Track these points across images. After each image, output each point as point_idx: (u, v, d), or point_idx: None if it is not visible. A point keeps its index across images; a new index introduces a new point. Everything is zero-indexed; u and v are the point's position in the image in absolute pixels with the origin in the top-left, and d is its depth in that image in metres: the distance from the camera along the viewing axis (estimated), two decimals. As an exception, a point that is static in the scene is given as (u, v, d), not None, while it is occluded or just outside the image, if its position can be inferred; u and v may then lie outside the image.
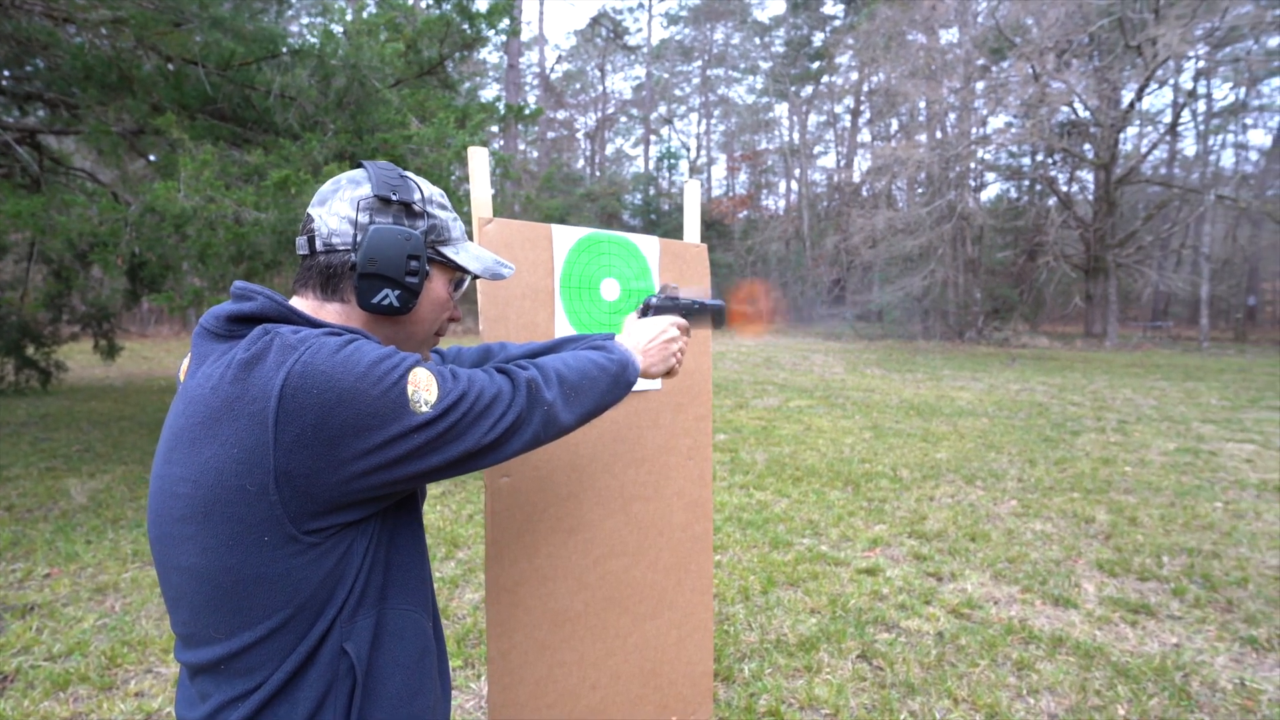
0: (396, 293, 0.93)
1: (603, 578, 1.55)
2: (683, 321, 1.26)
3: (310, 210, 0.96)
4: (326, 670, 0.88)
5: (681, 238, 1.80)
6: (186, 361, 0.93)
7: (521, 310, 1.42)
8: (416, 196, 0.96)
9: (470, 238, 1.40)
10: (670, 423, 1.66)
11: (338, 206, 0.93)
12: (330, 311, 0.95)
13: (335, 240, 0.92)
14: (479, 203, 1.37)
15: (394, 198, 0.93)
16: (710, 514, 1.76)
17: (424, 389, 0.86)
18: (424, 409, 0.85)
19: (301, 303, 0.96)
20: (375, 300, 0.92)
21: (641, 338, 1.19)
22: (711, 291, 1.34)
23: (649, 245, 1.61)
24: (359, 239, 0.91)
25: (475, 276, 1.04)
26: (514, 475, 1.39)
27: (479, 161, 1.36)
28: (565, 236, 1.48)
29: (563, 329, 1.47)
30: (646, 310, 1.27)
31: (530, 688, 1.44)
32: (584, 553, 1.52)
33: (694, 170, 43.90)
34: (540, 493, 1.42)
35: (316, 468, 0.82)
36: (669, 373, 1.25)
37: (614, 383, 1.08)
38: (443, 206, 1.00)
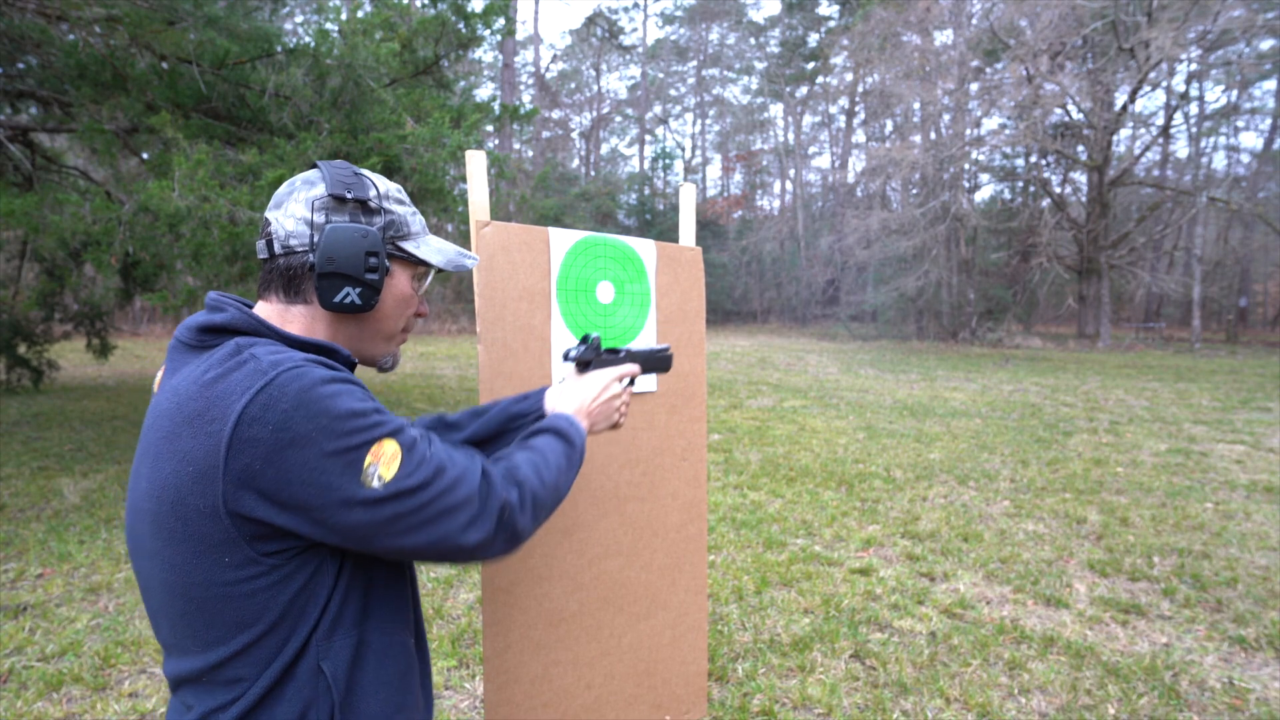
0: (358, 290, 0.91)
1: (598, 578, 1.56)
2: (631, 368, 1.23)
3: (267, 214, 0.94)
4: (305, 687, 0.87)
5: (677, 238, 1.81)
6: (161, 374, 0.92)
7: (518, 312, 1.43)
8: (372, 193, 0.93)
9: (467, 239, 1.41)
10: (665, 424, 1.68)
11: (293, 208, 0.91)
12: (296, 314, 0.93)
13: (293, 242, 0.91)
14: (477, 205, 1.37)
15: (349, 195, 0.91)
16: (704, 515, 1.77)
17: (384, 463, 0.82)
18: (374, 484, 0.82)
19: (266, 308, 0.94)
20: (337, 299, 0.90)
21: (584, 398, 1.16)
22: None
23: (645, 248, 1.62)
24: (316, 239, 0.90)
25: (438, 270, 1.02)
26: (510, 476, 1.40)
27: (477, 165, 1.36)
28: (562, 239, 1.49)
29: (559, 331, 1.48)
30: (585, 365, 1.22)
31: (526, 687, 1.45)
32: (579, 553, 1.53)
33: (689, 170, 43.92)
34: (536, 494, 1.43)
35: (260, 502, 0.81)
36: (613, 426, 1.23)
37: (570, 480, 1.05)
38: (400, 201, 0.98)
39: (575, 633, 1.52)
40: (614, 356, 1.24)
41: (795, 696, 2.69)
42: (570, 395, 1.16)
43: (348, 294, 0.90)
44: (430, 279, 1.05)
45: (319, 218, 0.90)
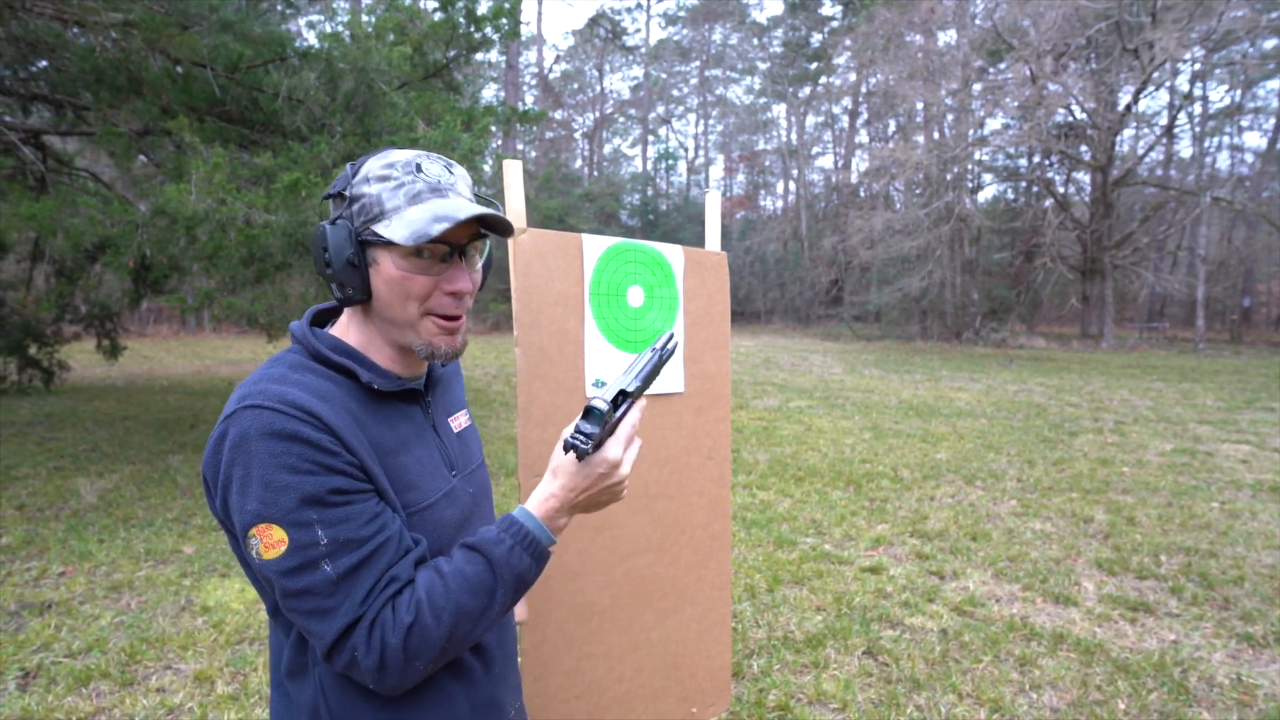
0: (334, 285, 0.90)
1: (628, 574, 1.61)
2: (634, 420, 0.96)
3: None
4: (312, 674, 0.92)
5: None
6: None
7: (553, 317, 1.48)
8: (349, 182, 0.90)
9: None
10: (692, 424, 1.72)
11: None
12: (347, 310, 0.97)
13: None
14: (513, 213, 1.42)
15: (334, 192, 0.92)
16: (728, 512, 1.82)
17: (264, 545, 0.81)
18: (252, 554, 0.82)
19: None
20: (337, 296, 0.92)
21: (570, 493, 0.94)
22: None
23: (673, 254, 1.67)
24: None
25: (409, 246, 0.87)
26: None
27: (514, 175, 1.41)
28: (594, 246, 1.54)
29: (592, 335, 1.53)
30: (601, 428, 0.90)
31: (560, 679, 1.50)
32: (611, 549, 1.57)
33: (691, 170, 43.98)
34: (571, 492, 1.48)
35: (215, 506, 0.88)
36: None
37: (485, 607, 0.89)
38: (383, 179, 0.89)
39: (607, 627, 1.57)
40: (624, 408, 0.94)
41: (810, 692, 2.74)
42: (552, 487, 0.94)
43: (333, 289, 0.91)
44: (459, 253, 0.93)
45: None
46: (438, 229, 0.85)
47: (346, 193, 0.89)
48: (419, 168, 0.90)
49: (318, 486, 0.81)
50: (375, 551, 0.83)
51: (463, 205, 0.89)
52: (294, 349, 0.94)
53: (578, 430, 0.90)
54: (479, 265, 0.98)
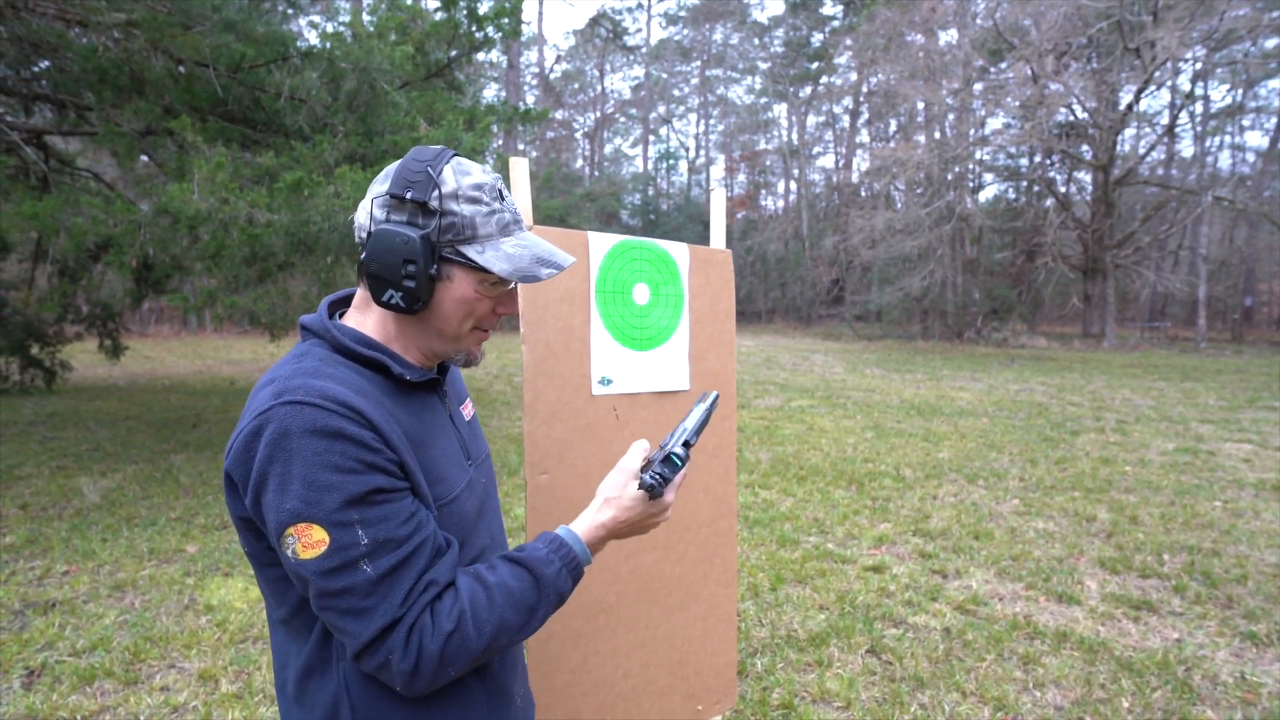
0: (399, 294, 0.89)
1: (634, 571, 1.61)
2: (683, 474, 1.02)
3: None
4: (334, 671, 0.90)
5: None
6: None
7: (559, 314, 1.48)
8: (434, 193, 0.88)
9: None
10: (697, 422, 1.73)
11: (366, 202, 0.92)
12: (374, 305, 0.95)
13: (362, 235, 0.92)
14: (521, 211, 1.42)
15: (407, 196, 0.87)
16: (734, 509, 1.82)
17: (302, 544, 0.79)
18: (288, 553, 0.80)
19: (359, 294, 0.97)
20: (383, 299, 0.90)
21: (617, 520, 0.99)
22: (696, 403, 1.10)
23: (679, 251, 1.67)
24: (366, 238, 0.90)
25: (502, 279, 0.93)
26: (552, 472, 1.46)
27: (520, 172, 1.41)
28: (600, 243, 1.54)
29: (598, 332, 1.53)
30: (664, 477, 0.99)
31: (567, 676, 1.50)
32: (617, 546, 1.58)
33: (693, 170, 43.98)
34: (577, 488, 1.48)
35: (243, 506, 0.85)
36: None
37: (524, 619, 0.91)
38: (473, 200, 0.90)
39: (613, 624, 1.57)
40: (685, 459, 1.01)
41: (814, 690, 2.74)
42: (603, 516, 0.99)
43: (391, 295, 0.89)
44: (514, 282, 0.97)
45: (379, 214, 0.89)
46: (545, 274, 0.93)
47: (431, 204, 0.88)
48: (501, 195, 0.94)
49: (361, 486, 0.80)
50: (414, 552, 0.84)
51: (558, 252, 0.97)
52: (315, 342, 0.93)
53: (657, 473, 0.98)
54: None
